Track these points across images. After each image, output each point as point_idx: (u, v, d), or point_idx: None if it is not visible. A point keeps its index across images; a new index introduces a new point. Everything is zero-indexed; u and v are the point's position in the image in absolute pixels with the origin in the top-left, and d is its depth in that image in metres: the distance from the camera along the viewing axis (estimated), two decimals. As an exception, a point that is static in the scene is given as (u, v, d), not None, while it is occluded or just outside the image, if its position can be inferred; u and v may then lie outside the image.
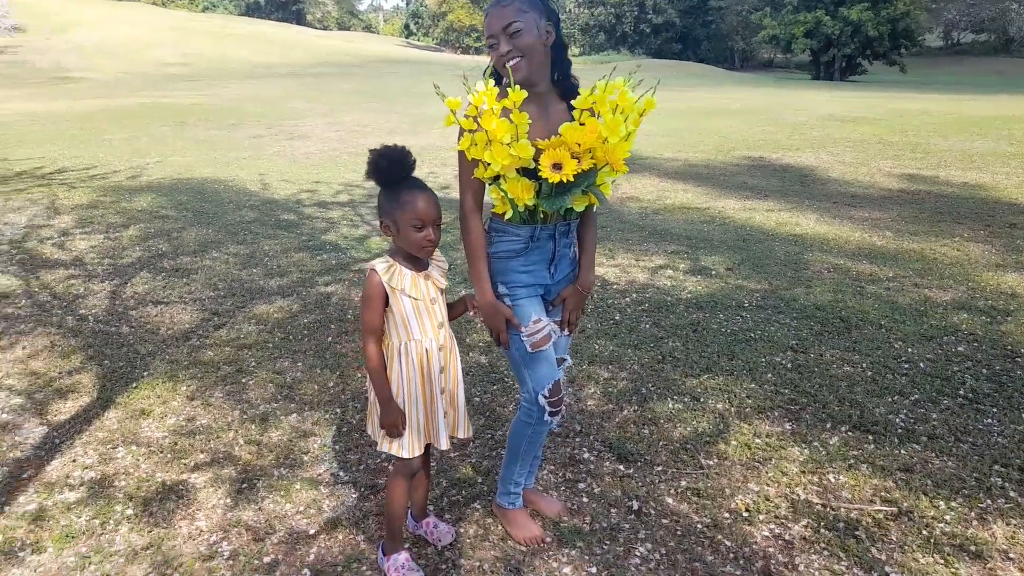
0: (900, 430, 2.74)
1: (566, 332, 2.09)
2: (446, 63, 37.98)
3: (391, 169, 1.82)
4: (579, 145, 1.78)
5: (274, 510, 2.36)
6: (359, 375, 3.30)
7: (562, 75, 1.91)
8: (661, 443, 2.69)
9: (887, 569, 2.04)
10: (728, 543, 2.17)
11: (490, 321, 1.96)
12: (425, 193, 1.85)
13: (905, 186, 7.32)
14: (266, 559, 2.14)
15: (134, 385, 3.22)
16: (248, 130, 12.49)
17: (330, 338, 3.72)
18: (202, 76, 26.70)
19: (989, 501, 2.32)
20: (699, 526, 2.24)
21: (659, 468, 2.54)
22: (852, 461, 2.55)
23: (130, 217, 6.22)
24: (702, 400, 3.00)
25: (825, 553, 2.11)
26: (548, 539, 2.19)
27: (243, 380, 3.26)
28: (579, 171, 1.79)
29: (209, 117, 14.10)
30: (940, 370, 3.23)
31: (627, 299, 4.19)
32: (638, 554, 2.13)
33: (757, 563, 2.08)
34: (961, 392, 3.03)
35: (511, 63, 1.79)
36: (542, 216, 1.89)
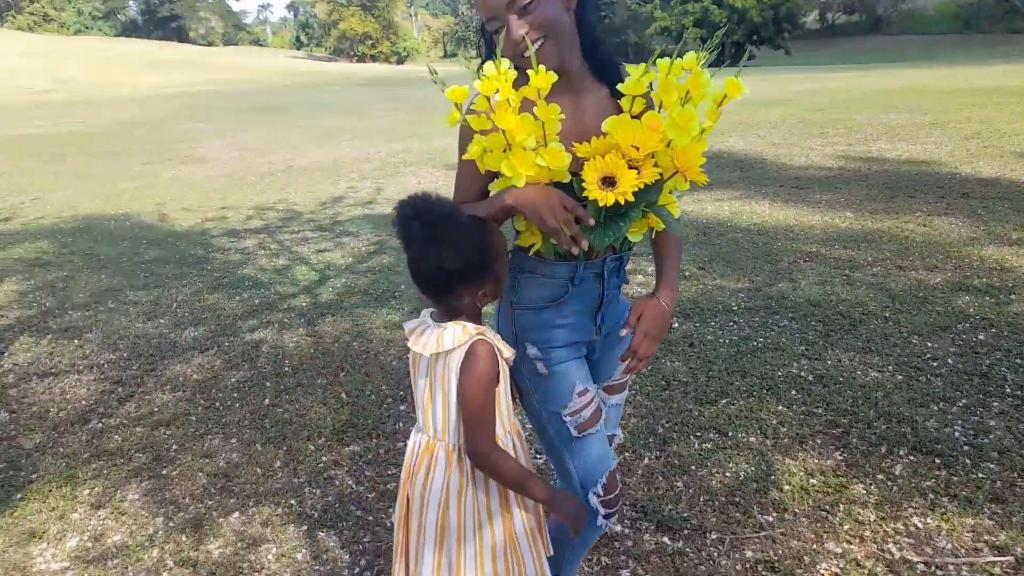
0: (966, 447, 2.37)
1: (623, 376, 1.52)
2: (342, 73, 36.83)
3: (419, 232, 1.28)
4: (636, 149, 1.25)
5: (228, 667, 1.74)
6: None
7: (592, 47, 1.36)
8: (703, 499, 2.21)
9: (1036, 646, 1.63)
10: (832, 634, 1.70)
11: (545, 208, 1.24)
12: (491, 227, 1.33)
13: (843, 164, 7.19)
14: None
15: (19, 496, 2.48)
16: (136, 157, 11.38)
17: (267, 400, 3.06)
18: (78, 103, 24.70)
19: (1106, 530, 1.95)
20: (788, 613, 1.77)
21: (713, 536, 2.05)
22: (931, 496, 2.15)
23: (3, 269, 5.29)
24: (730, 434, 2.55)
25: (953, 633, 1.68)
26: (606, 663, 1.66)
27: (163, 472, 2.58)
28: (639, 186, 1.26)
29: (90, 146, 12.83)
30: (972, 366, 2.90)
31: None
32: (726, 668, 1.64)
33: (877, 660, 1.63)
34: (1007, 389, 2.70)
35: (535, 48, 1.22)
36: (587, 249, 1.34)
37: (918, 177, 6.32)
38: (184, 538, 2.21)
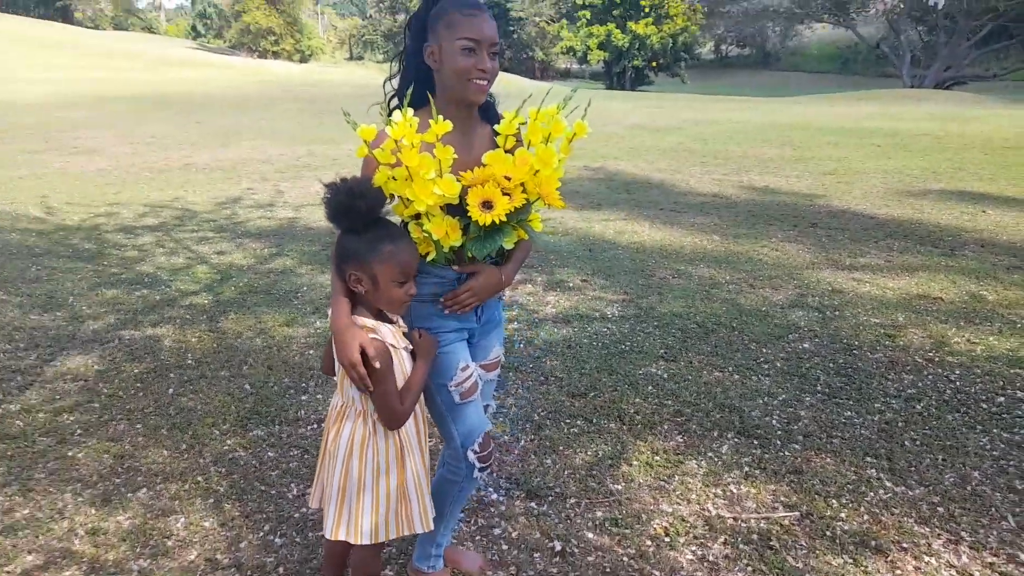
0: (779, 432, 2.88)
1: (444, 307, 1.75)
2: (242, 68, 35.80)
3: (363, 211, 1.56)
4: (508, 179, 1.63)
5: (142, 615, 1.96)
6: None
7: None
8: (567, 473, 2.61)
9: (807, 577, 2.10)
10: (658, 573, 2.12)
11: (344, 356, 1.56)
12: (409, 242, 1.62)
13: (717, 191, 7.93)
14: None
15: (-81, 475, 2.57)
16: (19, 144, 10.86)
17: (171, 390, 3.23)
18: (-53, 80, 22.90)
19: (872, 494, 2.48)
20: (625, 559, 2.18)
21: (572, 501, 2.44)
22: (746, 468, 2.63)
23: None
24: (594, 421, 2.96)
25: (749, 569, 2.13)
26: (476, 599, 2.01)
27: (69, 453, 2.73)
28: (511, 209, 1.63)
29: (-36, 129, 12.10)
30: (795, 368, 3.46)
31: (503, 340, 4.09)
32: (572, 601, 2.02)
33: (689, 591, 2.06)
34: (818, 388, 3.26)
35: (481, 83, 1.62)
36: (470, 257, 1.70)
37: (778, 206, 7.09)
38: (93, 511, 2.39)
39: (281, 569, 2.13)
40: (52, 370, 3.41)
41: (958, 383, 3.30)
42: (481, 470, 1.82)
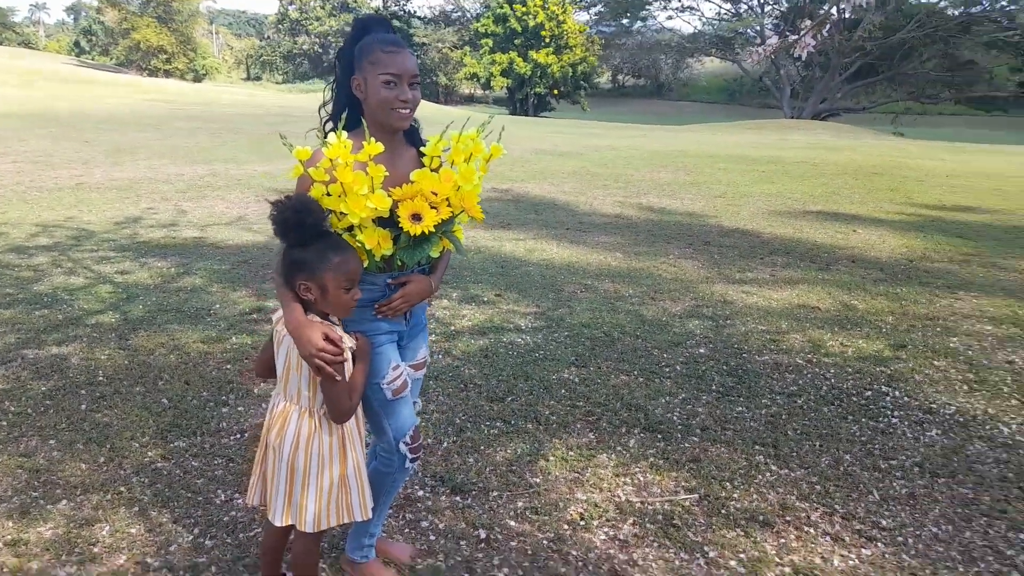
0: (680, 426, 3.16)
1: (378, 312, 1.88)
2: (132, 86, 34.32)
3: (310, 225, 1.69)
4: (435, 194, 1.80)
5: (73, 620, 1.97)
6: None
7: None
8: (488, 469, 2.77)
9: (706, 549, 2.34)
10: (575, 552, 2.31)
11: (311, 344, 1.68)
12: (353, 252, 1.75)
13: (619, 212, 8.36)
14: None
15: None
16: None
17: (84, 406, 3.18)
18: None
19: (760, 476, 2.78)
20: (545, 542, 2.36)
21: (494, 494, 2.61)
22: (652, 459, 2.88)
23: None
24: (512, 423, 3.15)
25: (655, 545, 2.36)
26: (408, 585, 2.14)
27: (-22, 471, 2.65)
28: (438, 221, 1.81)
29: None
30: (693, 370, 3.77)
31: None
32: (498, 581, 2.18)
33: (604, 566, 2.26)
34: (713, 387, 3.58)
35: (404, 112, 1.79)
36: (400, 264, 1.87)
37: (675, 226, 7.57)
38: (11, 523, 2.36)
39: (214, 568, 2.18)
40: (-50, 390, 3.28)
41: (833, 380, 3.70)
42: (412, 460, 1.96)
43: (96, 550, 2.25)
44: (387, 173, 1.76)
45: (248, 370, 3.57)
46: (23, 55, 46.17)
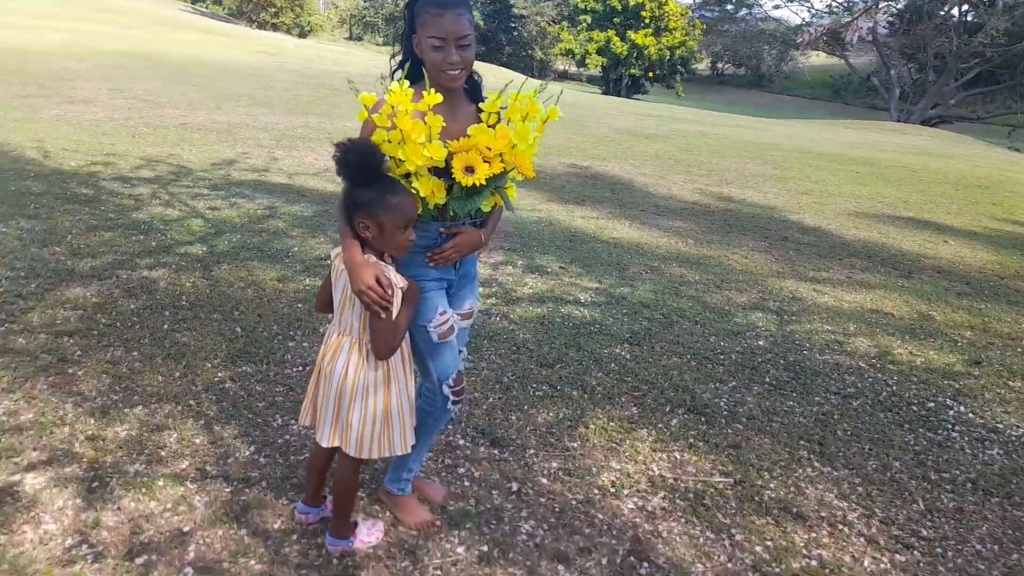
0: (725, 412, 3.16)
1: (430, 260, 1.97)
2: (240, 36, 35.58)
3: (372, 167, 1.79)
4: (489, 149, 1.87)
5: (137, 509, 2.18)
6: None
7: (471, 77, 1.99)
8: (529, 428, 2.86)
9: (733, 532, 2.37)
10: (601, 516, 2.38)
11: (361, 281, 1.78)
12: (410, 194, 1.84)
13: (698, 199, 8.23)
14: (138, 560, 1.98)
15: (-73, 377, 2.75)
16: (14, 88, 10.86)
17: (166, 326, 3.43)
18: (-61, 16, 22.59)
19: (800, 470, 2.76)
20: (574, 503, 2.43)
21: (531, 451, 2.70)
22: (691, 440, 2.90)
23: None
24: (558, 388, 3.22)
25: (682, 520, 2.40)
26: (439, 523, 2.25)
27: (69, 371, 2.92)
28: (490, 175, 1.88)
29: (-42, 67, 12.04)
30: (748, 361, 3.74)
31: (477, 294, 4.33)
32: (523, 531, 2.27)
33: (628, 533, 2.31)
34: (767, 380, 3.55)
35: (454, 73, 1.83)
36: (452, 214, 1.95)
37: (753, 218, 7.41)
38: (92, 420, 2.60)
39: (264, 483, 2.36)
40: (52, 298, 3.59)
41: (894, 387, 3.60)
42: (454, 403, 2.07)
43: (163, 453, 2.45)
44: (444, 124, 1.83)
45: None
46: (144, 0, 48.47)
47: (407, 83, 1.81)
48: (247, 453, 2.50)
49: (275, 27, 51.72)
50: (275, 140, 9.33)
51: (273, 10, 52.40)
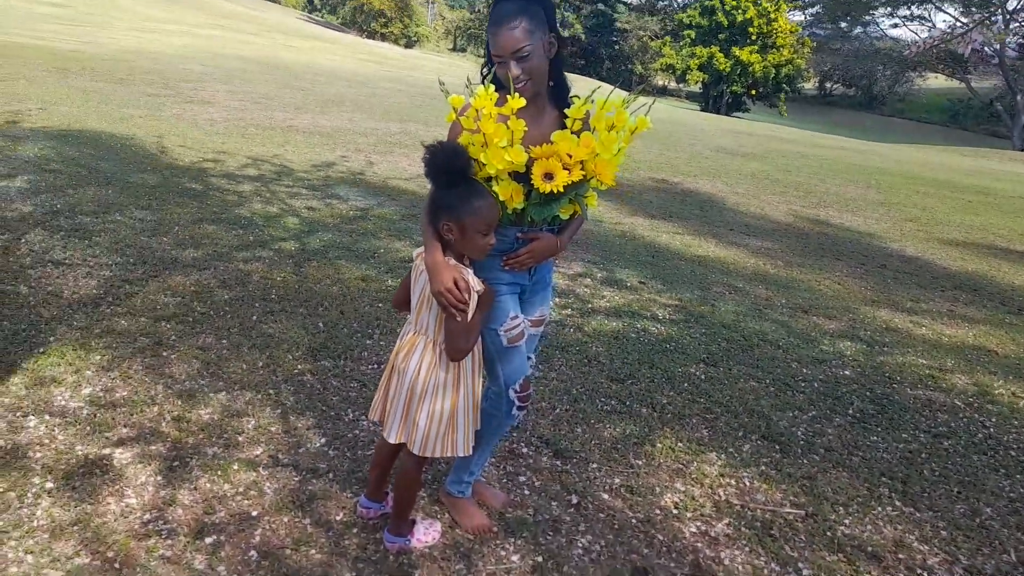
0: (802, 442, 3.03)
1: (505, 264, 2.00)
2: (350, 45, 37.02)
3: (459, 170, 1.84)
4: (570, 156, 1.87)
5: (211, 490, 2.30)
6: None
7: (555, 81, 1.99)
8: (594, 442, 2.83)
9: (800, 566, 2.27)
10: (661, 537, 2.33)
11: (441, 283, 1.82)
12: (493, 200, 1.88)
13: (791, 221, 7.95)
14: (208, 539, 2.09)
15: (41, 350, 2.99)
16: (140, 87, 11.69)
17: (255, 317, 3.61)
18: (83, 21, 24.61)
19: (880, 509, 2.62)
20: (634, 521, 2.39)
21: (594, 465, 2.67)
22: (763, 468, 2.80)
23: (14, 167, 5.70)
24: (627, 404, 3.18)
25: (747, 549, 2.32)
26: (495, 529, 2.26)
27: (164, 354, 3.11)
28: (569, 183, 1.88)
29: (94, 67, 13.06)
30: (831, 390, 3.58)
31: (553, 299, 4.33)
32: (580, 545, 2.25)
33: (687, 557, 2.25)
34: (850, 411, 3.38)
35: (518, 86, 1.85)
36: (529, 220, 1.96)
37: (850, 243, 7.09)
38: (180, 402, 2.76)
39: (331, 475, 2.44)
40: (155, 284, 3.84)
41: (992, 429, 3.36)
42: (519, 408, 2.08)
43: (240, 439, 2.58)
44: (527, 129, 1.85)
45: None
46: (265, 7, 51.27)
47: (492, 87, 1.84)
48: (318, 444, 2.59)
49: (384, 37, 53.54)
50: (372, 145, 9.65)
51: (383, 20, 54.29)
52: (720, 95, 45.93)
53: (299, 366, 3.16)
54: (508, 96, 1.83)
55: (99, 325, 3.28)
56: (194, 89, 12.37)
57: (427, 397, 1.94)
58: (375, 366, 3.25)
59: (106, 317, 3.38)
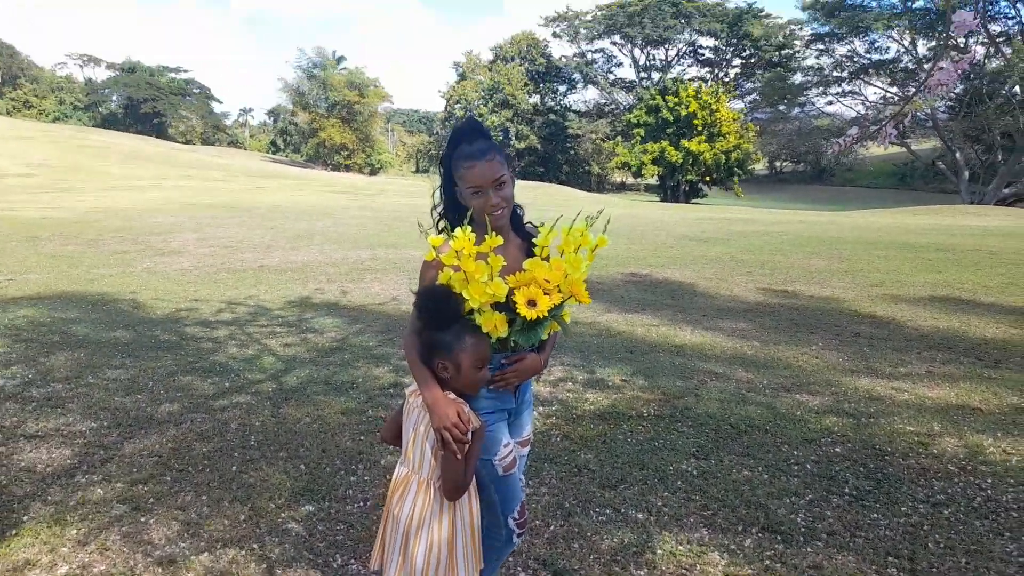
0: (803, 529, 2.97)
1: (493, 382, 2.02)
2: (315, 179, 38.15)
3: (451, 311, 1.92)
4: (547, 281, 1.95)
5: (198, 662, 2.18)
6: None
7: (515, 212, 2.11)
8: (592, 556, 2.76)
9: (818, 665, 2.18)
10: (672, 653, 2.23)
11: (446, 418, 1.87)
12: (484, 335, 1.94)
13: (762, 299, 8.09)
14: None
15: (13, 532, 2.89)
16: (110, 245, 11.86)
17: (235, 467, 3.53)
18: (50, 188, 25.20)
19: (890, 591, 2.55)
20: (642, 638, 2.30)
21: (595, 583, 2.59)
22: (768, 562, 2.73)
23: (-15, 341, 5.67)
24: (622, 511, 3.11)
25: (761, 654, 2.23)
26: (499, 666, 2.16)
27: (142, 519, 3.02)
28: (551, 305, 1.95)
29: (63, 231, 13.28)
30: (824, 471, 3.55)
31: (535, 412, 4.30)
32: (589, 673, 2.15)
33: (702, 671, 2.16)
34: (846, 490, 3.34)
35: (497, 213, 1.97)
36: (513, 345, 2.01)
37: (822, 315, 7.20)
38: (160, 570, 2.66)
39: (323, 629, 2.33)
40: (131, 446, 3.76)
41: (989, 491, 3.33)
42: (519, 535, 2.05)
43: (226, 600, 2.47)
44: (504, 263, 1.93)
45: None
46: (230, 154, 53.07)
47: (469, 228, 1.94)
48: (307, 597, 2.49)
49: (347, 168, 55.31)
50: (345, 274, 9.78)
51: (346, 153, 56.24)
52: (677, 185, 47.65)
53: (282, 514, 3.07)
54: (486, 236, 1.94)
55: (74, 497, 3.19)
56: (164, 241, 12.57)
57: (423, 531, 1.91)
58: (360, 504, 3.17)
59: (81, 487, 3.29)
